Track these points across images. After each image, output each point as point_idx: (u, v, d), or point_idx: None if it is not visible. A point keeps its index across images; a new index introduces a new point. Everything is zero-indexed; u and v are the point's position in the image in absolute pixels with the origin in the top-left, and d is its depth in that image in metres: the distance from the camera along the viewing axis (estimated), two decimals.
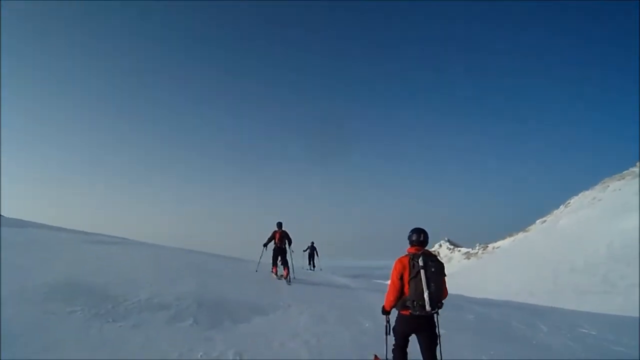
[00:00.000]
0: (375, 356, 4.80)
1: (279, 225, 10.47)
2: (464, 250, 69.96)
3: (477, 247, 65.64)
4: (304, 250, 15.82)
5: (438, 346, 3.70)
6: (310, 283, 11.30)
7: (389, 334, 3.99)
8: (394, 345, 3.92)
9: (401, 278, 3.65)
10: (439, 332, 3.73)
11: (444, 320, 4.46)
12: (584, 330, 8.59)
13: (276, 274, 10.58)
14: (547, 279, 36.92)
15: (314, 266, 16.91)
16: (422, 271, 3.49)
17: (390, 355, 3.96)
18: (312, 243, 16.87)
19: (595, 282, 31.01)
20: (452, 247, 75.46)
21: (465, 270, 51.45)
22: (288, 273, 10.36)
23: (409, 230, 3.83)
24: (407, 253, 3.78)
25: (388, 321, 4.03)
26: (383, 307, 3.92)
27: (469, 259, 63.38)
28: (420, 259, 3.56)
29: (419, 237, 3.78)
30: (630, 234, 33.68)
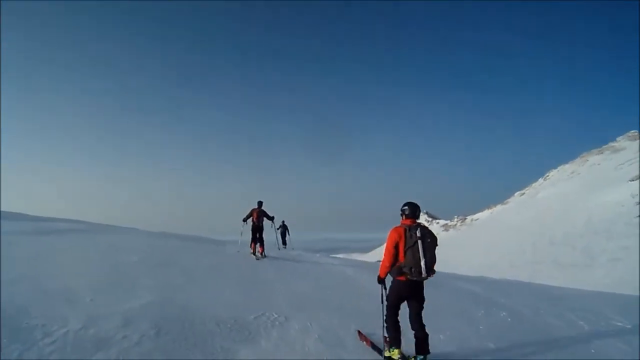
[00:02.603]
0: (359, 332, 4.90)
1: (259, 203, 11.06)
2: (442, 222, 70.83)
3: (456, 219, 66.41)
4: (277, 229, 15.71)
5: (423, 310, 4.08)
6: (305, 275, 9.43)
7: (385, 302, 4.23)
8: (386, 314, 4.14)
9: (396, 247, 3.91)
10: (424, 297, 4.08)
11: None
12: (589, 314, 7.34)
13: (254, 252, 10.88)
14: (527, 251, 37.33)
15: (285, 244, 17.52)
16: (419, 242, 3.81)
17: (384, 324, 4.19)
18: (283, 222, 17.71)
19: (575, 255, 31.33)
20: (430, 219, 76.28)
21: (444, 243, 51.48)
22: (263, 249, 10.88)
23: (402, 204, 4.14)
24: (401, 224, 4.03)
25: (385, 288, 4.24)
26: (378, 276, 4.17)
27: (447, 230, 64.03)
28: (418, 230, 3.87)
29: (414, 211, 4.09)
30: (610, 208, 33.98)
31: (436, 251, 3.96)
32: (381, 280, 4.20)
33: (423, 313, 4.09)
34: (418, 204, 4.16)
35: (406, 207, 4.12)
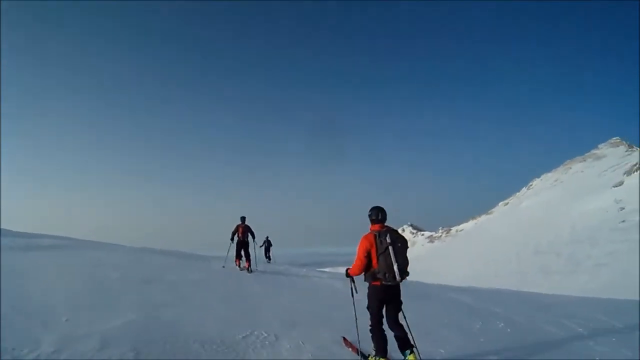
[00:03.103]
0: (344, 338, 4.91)
1: (242, 219, 11.29)
2: (427, 234, 70.94)
3: (440, 231, 66.68)
4: (260, 246, 16.56)
5: (401, 312, 4.16)
6: (292, 289, 9.17)
7: (356, 294, 4.40)
8: (370, 324, 4.11)
9: (368, 255, 3.96)
10: (401, 300, 4.17)
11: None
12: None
13: (239, 265, 11.08)
14: (512, 261, 37.48)
15: (269, 258, 18.34)
16: (390, 247, 3.89)
17: (367, 329, 4.17)
18: (267, 237, 18.70)
19: (561, 263, 31.54)
20: (415, 231, 76.38)
21: (429, 254, 51.68)
22: (249, 264, 10.97)
23: (369, 210, 4.22)
24: (371, 231, 4.08)
25: (353, 281, 4.41)
26: (347, 272, 4.26)
27: (432, 242, 64.15)
28: (388, 236, 3.94)
29: (379, 215, 4.12)
30: (594, 214, 34.56)
31: (408, 254, 4.08)
32: (349, 276, 4.31)
33: (401, 315, 4.19)
34: (383, 206, 4.27)
35: (372, 212, 4.20)
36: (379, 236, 3.98)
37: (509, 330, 6.10)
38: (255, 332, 4.98)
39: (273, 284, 9.39)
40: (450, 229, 63.67)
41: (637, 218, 30.78)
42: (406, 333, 4.07)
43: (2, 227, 18.52)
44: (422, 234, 72.56)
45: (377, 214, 4.16)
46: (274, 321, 5.60)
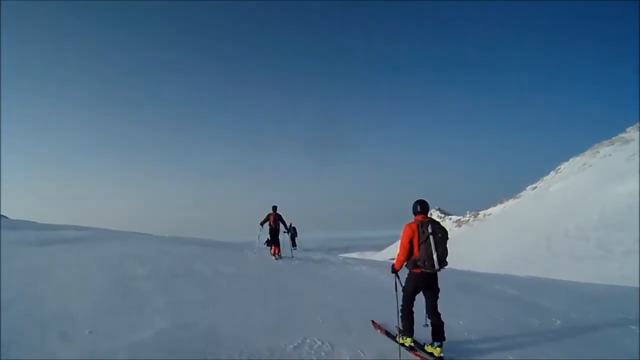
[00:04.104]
0: (373, 322, 5.20)
1: (274, 208, 11.75)
2: (454, 218, 71.32)
3: (468, 215, 67.02)
4: (284, 232, 17.52)
5: (438, 300, 4.42)
6: (334, 282, 8.43)
7: (399, 291, 4.57)
8: (401, 305, 4.46)
9: (410, 242, 4.28)
10: (439, 287, 4.44)
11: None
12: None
13: (274, 254, 11.61)
14: (541, 246, 37.92)
15: (295, 245, 18.54)
16: (431, 237, 4.19)
17: (399, 314, 4.49)
18: (291, 224, 18.77)
19: (590, 248, 31.88)
20: (442, 215, 76.85)
21: (458, 239, 52.44)
22: (279, 251, 11.68)
23: (413, 202, 4.53)
24: (414, 220, 4.42)
25: (398, 277, 4.62)
26: (393, 267, 4.53)
27: (460, 226, 64.69)
28: (429, 226, 4.26)
29: (423, 207, 4.47)
30: (623, 199, 34.61)
31: (447, 244, 4.32)
32: (395, 272, 4.56)
33: (439, 303, 4.44)
34: (427, 201, 4.55)
35: (415, 205, 4.52)
36: (421, 226, 4.26)
37: (568, 328, 5.76)
38: (308, 341, 4.48)
39: (311, 277, 8.93)
40: (478, 213, 63.98)
41: None
42: (443, 323, 4.31)
43: (25, 219, 18.32)
44: (450, 218, 73.00)
45: (421, 207, 4.47)
46: (325, 325, 5.08)
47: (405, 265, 4.43)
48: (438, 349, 4.22)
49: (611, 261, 28.21)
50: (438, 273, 4.39)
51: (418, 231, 4.26)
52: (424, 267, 4.21)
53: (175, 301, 5.65)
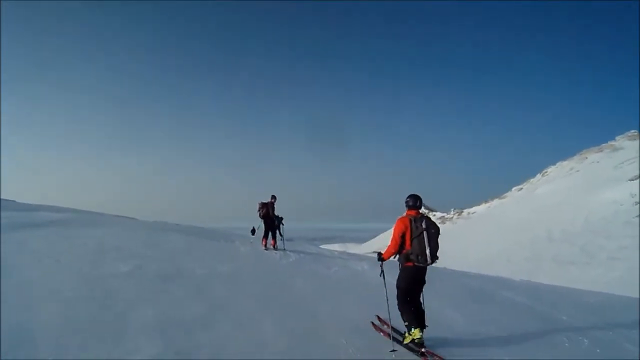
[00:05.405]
0: (378, 317, 5.21)
1: (273, 197, 11.52)
2: (439, 214, 71.68)
3: (452, 212, 67.45)
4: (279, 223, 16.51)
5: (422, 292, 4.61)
6: (342, 287, 7.46)
7: (388, 283, 4.68)
8: (398, 301, 4.50)
9: (402, 236, 4.34)
10: (425, 280, 4.54)
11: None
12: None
13: (265, 246, 11.21)
14: (525, 247, 38.12)
15: (281, 235, 18.53)
16: (424, 232, 4.28)
17: (391, 308, 4.53)
18: (278, 215, 18.51)
19: (575, 253, 32.05)
20: (426, 211, 77.21)
21: (441, 235, 52.50)
22: (275, 242, 11.36)
23: (406, 197, 4.62)
24: (407, 215, 4.47)
25: (382, 267, 4.74)
26: (381, 255, 4.58)
27: (444, 223, 64.87)
28: (423, 222, 4.34)
29: (416, 203, 4.53)
30: (609, 206, 34.94)
31: (439, 240, 4.46)
32: (381, 259, 4.60)
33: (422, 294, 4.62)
34: (420, 195, 4.62)
35: (409, 199, 4.59)
36: (414, 221, 4.34)
37: (598, 350, 5.10)
38: None
39: (314, 277, 8.13)
40: (462, 211, 64.37)
41: None
42: (424, 311, 4.54)
43: (4, 197, 15.50)
44: (434, 214, 73.35)
45: (414, 201, 4.55)
46: (351, 349, 4.27)
47: (398, 260, 4.52)
48: (418, 331, 4.28)
49: (595, 267, 28.35)
50: (428, 267, 4.52)
51: (411, 226, 4.34)
52: (416, 261, 4.31)
53: (166, 315, 4.40)
